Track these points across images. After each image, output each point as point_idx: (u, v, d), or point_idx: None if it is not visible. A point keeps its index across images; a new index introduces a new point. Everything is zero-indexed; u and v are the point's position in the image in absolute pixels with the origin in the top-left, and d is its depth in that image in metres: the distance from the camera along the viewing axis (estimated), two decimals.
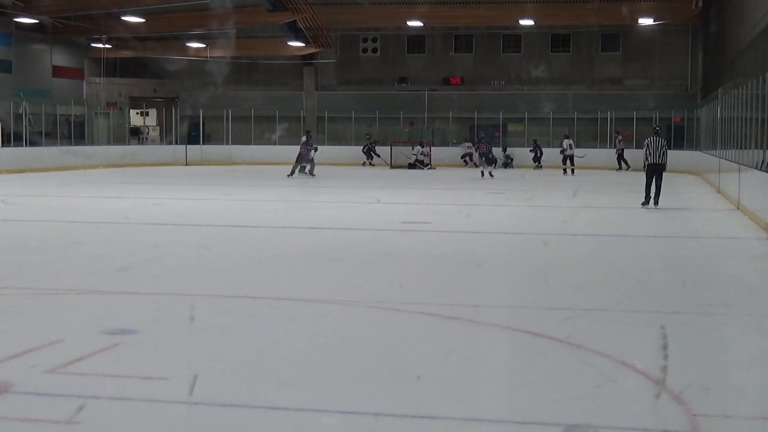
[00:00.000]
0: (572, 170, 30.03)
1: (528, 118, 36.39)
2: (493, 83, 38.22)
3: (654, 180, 16.44)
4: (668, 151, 16.75)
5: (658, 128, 17.99)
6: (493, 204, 18.70)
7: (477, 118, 37.14)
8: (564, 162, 30.24)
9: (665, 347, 6.24)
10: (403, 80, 39.05)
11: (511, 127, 37.73)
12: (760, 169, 13.76)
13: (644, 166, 16.65)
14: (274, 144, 37.08)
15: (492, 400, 5.07)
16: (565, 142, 30.72)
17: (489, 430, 4.66)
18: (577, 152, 30.89)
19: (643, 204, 16.63)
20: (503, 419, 4.76)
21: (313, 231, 13.51)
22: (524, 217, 16.18)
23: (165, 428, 4.59)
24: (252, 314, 7.37)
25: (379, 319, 7.23)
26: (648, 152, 16.40)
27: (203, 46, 37.51)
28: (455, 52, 38.87)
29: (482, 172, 26.90)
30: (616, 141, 32.90)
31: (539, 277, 9.25)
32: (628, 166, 31.53)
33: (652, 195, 16.49)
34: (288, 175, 26.21)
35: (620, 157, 32.21)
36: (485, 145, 28.28)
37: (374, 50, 39.57)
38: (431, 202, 19.25)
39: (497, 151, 32.54)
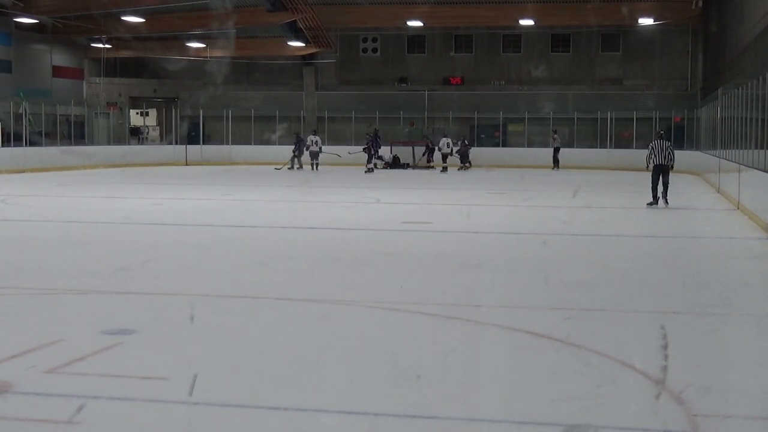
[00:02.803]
0: (445, 168, 31.55)
1: (528, 118, 36.39)
2: (493, 83, 38.22)
3: (661, 179, 16.72)
4: (674, 151, 17.10)
5: (662, 132, 18.24)
6: (492, 204, 18.70)
7: (477, 118, 37.16)
8: (444, 160, 31.77)
9: (665, 347, 6.23)
10: (403, 80, 39.05)
11: (511, 127, 37.74)
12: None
13: (647, 167, 16.95)
14: (275, 144, 37.07)
15: (492, 400, 5.07)
16: (443, 141, 32.11)
17: (489, 430, 4.66)
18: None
19: (650, 204, 16.84)
20: (503, 419, 4.75)
21: (313, 231, 13.51)
22: (524, 217, 16.18)
23: (165, 428, 4.58)
24: (252, 314, 7.37)
25: (379, 319, 7.23)
26: (653, 155, 16.77)
27: (203, 46, 37.51)
28: (455, 52, 38.86)
29: (370, 168, 30.60)
30: (551, 139, 33.50)
31: (539, 276, 9.24)
32: (557, 167, 32.58)
33: (660, 194, 16.71)
34: (366, 172, 30.07)
35: (554, 154, 32.99)
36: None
37: (374, 50, 39.56)
38: (431, 202, 19.25)
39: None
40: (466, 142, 33.00)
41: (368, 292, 8.35)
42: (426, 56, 39.07)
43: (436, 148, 32.61)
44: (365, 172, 29.96)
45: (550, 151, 33.52)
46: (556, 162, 32.76)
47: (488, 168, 32.32)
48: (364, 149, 31.29)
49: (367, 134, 32.86)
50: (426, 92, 38.33)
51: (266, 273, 9.48)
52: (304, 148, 31.42)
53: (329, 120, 38.18)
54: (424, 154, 33.61)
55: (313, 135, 32.05)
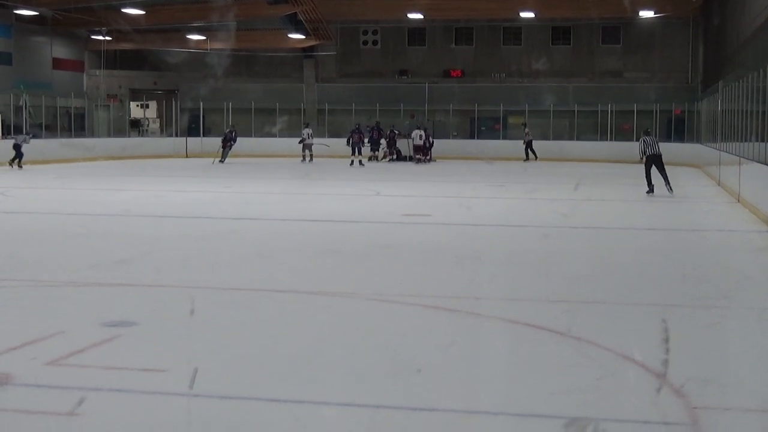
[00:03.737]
0: (418, 160, 31.62)
1: (528, 111, 36.34)
2: (494, 76, 38.16)
3: (657, 169, 17.23)
4: (665, 143, 18.47)
5: (649, 129, 19.97)
6: (493, 196, 18.69)
7: (477, 110, 37.11)
8: (415, 152, 31.84)
9: (666, 340, 6.23)
10: (403, 73, 38.99)
11: (511, 120, 37.70)
12: None
13: (641, 159, 17.59)
14: (275, 136, 37.01)
15: (492, 392, 5.07)
16: (415, 132, 32.18)
17: (489, 422, 4.66)
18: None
19: (648, 192, 17.30)
20: (503, 412, 4.76)
21: (314, 223, 13.50)
22: (525, 210, 16.18)
23: (165, 420, 4.59)
24: (252, 307, 7.37)
25: (380, 312, 7.23)
26: (646, 146, 17.44)
27: (203, 38, 37.43)
28: (456, 44, 38.79)
29: (352, 161, 29.21)
30: (524, 133, 33.72)
31: (539, 269, 9.24)
32: (536, 157, 32.86)
33: (663, 183, 17.20)
34: (350, 165, 28.85)
35: (528, 148, 33.21)
36: (358, 134, 29.95)
37: (375, 42, 39.49)
38: (431, 195, 19.23)
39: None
40: (428, 135, 32.74)
41: (368, 284, 8.35)
42: (426, 49, 39.00)
43: (408, 139, 32.58)
44: (350, 164, 29.06)
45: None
46: (533, 152, 32.88)
47: (489, 161, 32.30)
48: (348, 139, 30.37)
49: (367, 125, 32.72)
50: (426, 85, 38.26)
51: (266, 265, 9.48)
52: (231, 142, 31.92)
53: (329, 112, 38.12)
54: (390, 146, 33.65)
55: (306, 128, 32.40)
